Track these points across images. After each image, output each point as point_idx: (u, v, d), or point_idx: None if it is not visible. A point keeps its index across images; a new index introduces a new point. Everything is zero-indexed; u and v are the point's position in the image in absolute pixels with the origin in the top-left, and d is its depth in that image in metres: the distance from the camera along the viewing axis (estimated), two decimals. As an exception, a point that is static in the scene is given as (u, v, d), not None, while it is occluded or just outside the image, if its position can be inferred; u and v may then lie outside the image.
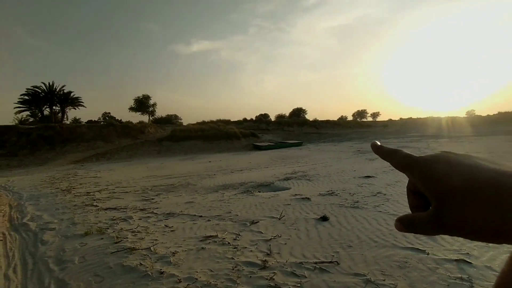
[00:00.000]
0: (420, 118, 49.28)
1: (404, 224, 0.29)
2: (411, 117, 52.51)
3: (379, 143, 0.36)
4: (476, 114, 55.19)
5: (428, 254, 2.79)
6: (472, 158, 0.28)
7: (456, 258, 2.68)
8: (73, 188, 7.65)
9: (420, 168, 0.29)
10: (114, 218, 4.63)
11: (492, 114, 47.94)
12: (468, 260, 2.63)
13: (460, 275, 2.41)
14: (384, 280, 2.40)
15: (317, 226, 3.76)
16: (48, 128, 19.51)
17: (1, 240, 3.92)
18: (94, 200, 6.08)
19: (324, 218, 3.99)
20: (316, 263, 2.75)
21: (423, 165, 0.29)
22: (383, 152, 0.35)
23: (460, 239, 3.06)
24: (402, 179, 6.41)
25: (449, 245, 2.96)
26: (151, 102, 37.20)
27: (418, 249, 2.90)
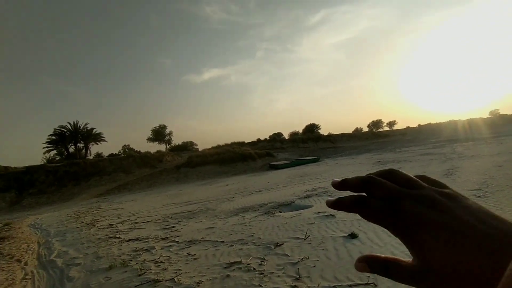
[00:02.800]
0: (440, 122, 47.39)
1: (372, 267, 0.24)
2: (430, 123, 50.70)
3: (332, 200, 0.27)
4: (500, 113, 52.38)
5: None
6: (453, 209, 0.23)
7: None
8: (97, 221, 7.78)
9: (403, 228, 0.23)
10: (137, 249, 4.59)
11: (518, 111, 45.36)
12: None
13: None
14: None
15: (346, 244, 3.52)
16: (73, 165, 20.51)
17: (30, 278, 3.97)
18: (117, 232, 6.12)
19: (353, 236, 3.75)
20: (350, 285, 2.53)
21: (409, 228, 0.23)
22: (345, 206, 0.26)
23: None
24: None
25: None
26: (167, 131, 38.58)
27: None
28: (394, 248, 3.20)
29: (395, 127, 55.73)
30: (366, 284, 2.51)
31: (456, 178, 6.80)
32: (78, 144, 31.35)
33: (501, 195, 4.72)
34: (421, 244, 0.22)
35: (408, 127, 53.98)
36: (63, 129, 30.03)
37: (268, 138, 40.79)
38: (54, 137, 29.75)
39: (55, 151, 31.24)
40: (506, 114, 47.55)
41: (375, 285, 2.48)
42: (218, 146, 30.93)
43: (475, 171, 7.41)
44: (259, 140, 38.92)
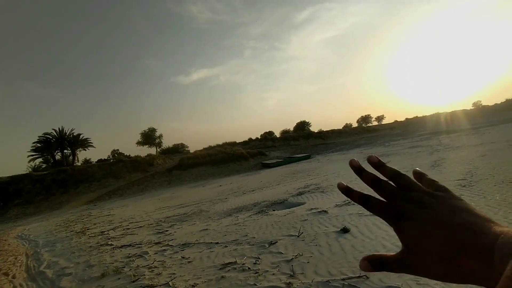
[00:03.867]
0: (426, 115, 48.63)
1: (373, 264, 0.30)
2: (416, 116, 51.95)
3: (345, 184, 0.35)
4: (483, 104, 54.18)
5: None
6: (438, 211, 0.29)
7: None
8: (88, 229, 7.62)
9: (389, 220, 0.31)
10: (130, 255, 4.53)
11: (499, 102, 47.09)
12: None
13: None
14: (421, 291, 2.21)
15: (338, 239, 3.58)
16: (61, 172, 19.96)
17: (19, 291, 3.85)
18: (109, 239, 6.01)
19: (345, 230, 3.81)
20: (344, 279, 2.58)
21: (392, 219, 0.30)
22: (354, 198, 0.34)
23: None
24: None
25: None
26: (157, 134, 38.01)
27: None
28: (384, 240, 3.28)
29: (384, 122, 56.89)
30: (359, 277, 2.57)
31: (442, 169, 7.01)
32: (65, 151, 30.50)
33: (484, 184, 4.90)
34: (406, 234, 0.29)
35: (396, 121, 55.19)
36: (48, 136, 29.16)
37: (259, 137, 40.85)
38: (39, 145, 28.83)
39: (40, 159, 30.31)
40: (488, 105, 49.23)
41: (367, 277, 2.53)
42: (210, 147, 30.75)
43: (460, 162, 7.66)
44: (250, 139, 38.91)
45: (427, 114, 49.41)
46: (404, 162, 9.58)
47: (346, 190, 0.35)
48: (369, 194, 0.33)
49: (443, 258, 0.26)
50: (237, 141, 36.33)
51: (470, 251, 0.25)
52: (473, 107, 52.94)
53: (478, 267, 0.25)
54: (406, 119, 53.57)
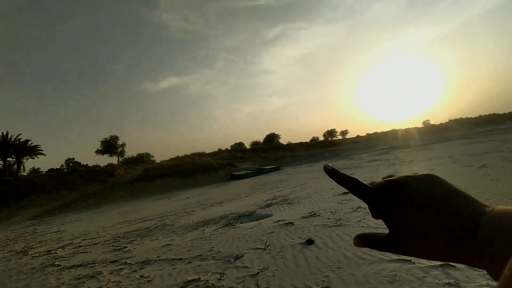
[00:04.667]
0: (385, 131, 52.94)
1: (363, 242, 0.33)
2: (376, 132, 56.24)
3: (331, 166, 0.36)
4: (431, 123, 60.68)
5: (414, 263, 2.79)
6: (433, 188, 0.31)
7: (441, 263, 2.71)
8: (31, 248, 6.74)
9: (376, 199, 0.33)
10: (80, 276, 4.08)
11: (444, 122, 53.21)
12: (452, 264, 2.66)
13: (447, 280, 2.41)
14: None
15: (303, 251, 3.64)
16: (1, 183, 17.59)
17: None
18: (56, 258, 5.37)
19: (310, 242, 3.89)
20: (307, 292, 2.60)
21: (379, 197, 0.33)
22: (339, 179, 0.35)
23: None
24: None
25: (432, 251, 2.99)
26: (120, 142, 35.69)
27: (404, 259, 2.90)
28: (346, 250, 3.41)
29: (347, 136, 60.47)
30: (322, 288, 2.62)
31: (397, 182, 7.61)
32: (8, 159, 27.07)
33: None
34: (391, 217, 0.31)
35: (358, 135, 59.03)
36: (-12, 142, 25.71)
37: (229, 148, 40.62)
38: (-24, 151, 25.24)
39: (-23, 168, 26.49)
40: (435, 124, 55.33)
41: (330, 288, 2.59)
42: (177, 158, 29.70)
43: (412, 175, 8.40)
44: (220, 150, 38.52)
45: (386, 130, 53.85)
46: (365, 175, 10.21)
47: (332, 172, 0.35)
48: (355, 177, 0.35)
49: (429, 238, 0.28)
50: (206, 152, 35.69)
51: (456, 230, 0.27)
52: (423, 125, 59.04)
53: (463, 245, 0.26)
54: (367, 134, 57.69)
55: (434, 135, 38.51)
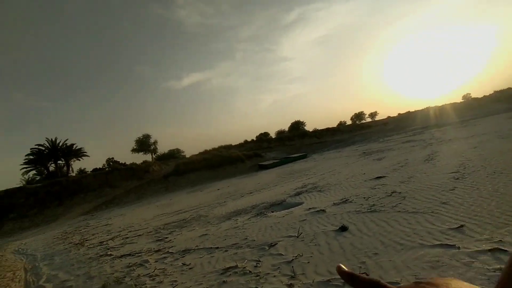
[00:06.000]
0: (418, 110, 49.25)
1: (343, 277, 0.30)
2: (409, 111, 52.47)
3: (344, 268, 0.32)
4: (472, 96, 55.12)
5: (459, 248, 2.65)
6: None
7: (490, 247, 2.54)
8: (86, 240, 7.53)
9: None
10: (130, 264, 4.50)
11: (488, 94, 47.99)
12: (503, 248, 2.49)
13: (498, 266, 2.26)
14: None
15: (337, 238, 3.62)
16: (55, 184, 19.68)
17: (18, 307, 3.80)
18: (108, 249, 5.96)
19: (343, 228, 3.86)
20: (344, 278, 2.61)
21: None
22: (358, 285, 0.31)
23: (489, 227, 2.92)
24: (415, 174, 6.28)
25: (478, 235, 2.82)
26: (152, 140, 37.74)
27: (447, 244, 2.76)
28: (381, 236, 3.33)
29: (377, 118, 57.42)
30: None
31: (436, 163, 7.13)
32: (59, 162, 30.08)
33: (476, 176, 5.01)
34: None
35: (389, 116, 55.70)
36: (41, 147, 28.73)
37: (254, 139, 40.87)
38: (31, 157, 28.38)
39: (34, 171, 29.84)
40: (477, 97, 50.14)
41: (367, 275, 2.57)
42: (206, 151, 30.65)
43: (453, 154, 7.80)
44: (246, 141, 38.92)
45: (419, 109, 50.06)
46: (399, 157, 9.71)
47: (348, 277, 0.32)
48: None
49: None
50: (233, 144, 36.30)
51: None
52: (463, 100, 53.89)
53: None
54: (399, 114, 54.12)
55: (477, 109, 35.02)
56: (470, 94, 57.03)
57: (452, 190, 4.48)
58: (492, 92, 47.18)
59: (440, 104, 45.83)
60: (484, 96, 48.06)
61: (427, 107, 47.85)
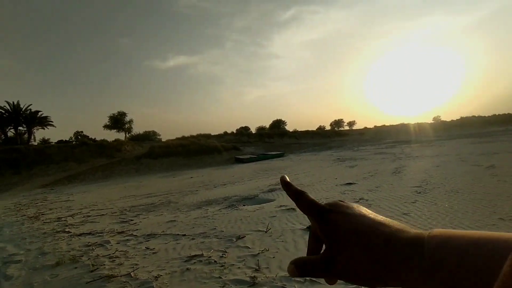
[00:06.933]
0: (393, 124, 52.03)
1: (298, 266, 0.30)
2: (384, 124, 55.32)
3: (288, 179, 0.37)
4: (441, 119, 59.30)
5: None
6: (362, 208, 0.32)
7: None
8: (42, 214, 7.06)
9: (320, 215, 0.31)
10: (89, 244, 4.30)
11: (455, 119, 51.87)
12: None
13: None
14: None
15: (304, 236, 3.73)
16: (13, 151, 18.15)
17: (-45, 279, 3.47)
18: (66, 226, 5.63)
19: (310, 228, 3.98)
20: (306, 274, 2.70)
21: (322, 212, 0.31)
22: (290, 191, 0.35)
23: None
24: (382, 185, 6.63)
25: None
26: (127, 118, 36.06)
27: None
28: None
29: (355, 127, 59.80)
30: (320, 272, 2.71)
31: (402, 176, 7.60)
32: (20, 128, 27.73)
33: (436, 192, 5.41)
34: (331, 236, 0.30)
35: (366, 127, 58.27)
36: (0, 110, 26.25)
37: (235, 132, 40.71)
38: (-12, 118, 25.87)
39: (-11, 134, 27.27)
40: (446, 121, 54.10)
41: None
42: (183, 137, 29.96)
43: (418, 170, 8.36)
44: (226, 133, 38.64)
45: (395, 124, 52.91)
46: (370, 167, 10.20)
47: (286, 184, 0.36)
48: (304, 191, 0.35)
49: (369, 258, 0.27)
50: (212, 134, 35.87)
51: (396, 249, 0.26)
52: (433, 121, 57.80)
53: (406, 267, 0.26)
54: (375, 126, 56.83)
55: (444, 131, 37.80)
56: (440, 116, 61.36)
57: (413, 202, 4.81)
58: (459, 117, 51.08)
59: (413, 122, 48.78)
60: (452, 120, 51.95)
61: (401, 123, 50.70)
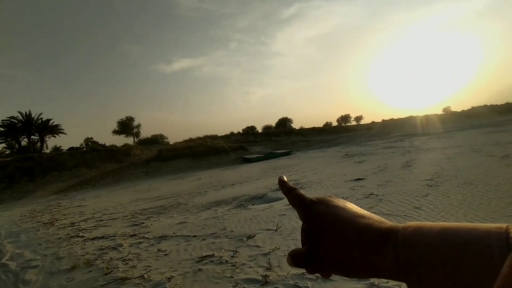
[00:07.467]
0: (401, 118, 51.06)
1: (292, 257, 0.33)
2: (392, 118, 54.29)
3: (285, 178, 0.40)
4: (451, 110, 57.90)
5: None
6: (347, 203, 0.34)
7: None
8: (56, 220, 7.23)
9: (306, 207, 0.34)
10: (103, 247, 4.38)
11: (466, 109, 50.50)
12: None
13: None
14: (387, 282, 2.36)
15: (314, 234, 3.70)
16: (27, 159, 18.66)
17: (-23, 285, 3.59)
18: (80, 230, 5.76)
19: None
20: (318, 272, 2.68)
21: (308, 205, 0.34)
22: (284, 187, 0.39)
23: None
24: (393, 179, 6.52)
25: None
26: (135, 123, 36.65)
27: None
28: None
29: (362, 122, 59.03)
30: (332, 269, 2.68)
31: (412, 170, 7.45)
32: (32, 137, 28.51)
33: (448, 185, 5.28)
34: (314, 227, 0.32)
35: (373, 122, 57.41)
36: (13, 120, 27.04)
37: (241, 132, 40.77)
38: (2, 129, 26.66)
39: (3, 144, 28.12)
40: (456, 111, 52.74)
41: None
42: (190, 140, 30.19)
43: (429, 163, 8.18)
44: (232, 133, 38.74)
45: (402, 117, 51.90)
46: (379, 161, 10.05)
47: (281, 183, 0.39)
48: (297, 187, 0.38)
49: (344, 247, 0.29)
50: (219, 135, 36.01)
51: (370, 238, 0.28)
52: (443, 113, 56.51)
53: (379, 255, 0.27)
54: (383, 120, 55.89)
55: (455, 122, 36.89)
56: (450, 107, 59.91)
57: (425, 196, 4.71)
58: (470, 107, 49.67)
59: (422, 115, 47.78)
60: (463, 110, 50.60)
61: (410, 116, 49.73)
